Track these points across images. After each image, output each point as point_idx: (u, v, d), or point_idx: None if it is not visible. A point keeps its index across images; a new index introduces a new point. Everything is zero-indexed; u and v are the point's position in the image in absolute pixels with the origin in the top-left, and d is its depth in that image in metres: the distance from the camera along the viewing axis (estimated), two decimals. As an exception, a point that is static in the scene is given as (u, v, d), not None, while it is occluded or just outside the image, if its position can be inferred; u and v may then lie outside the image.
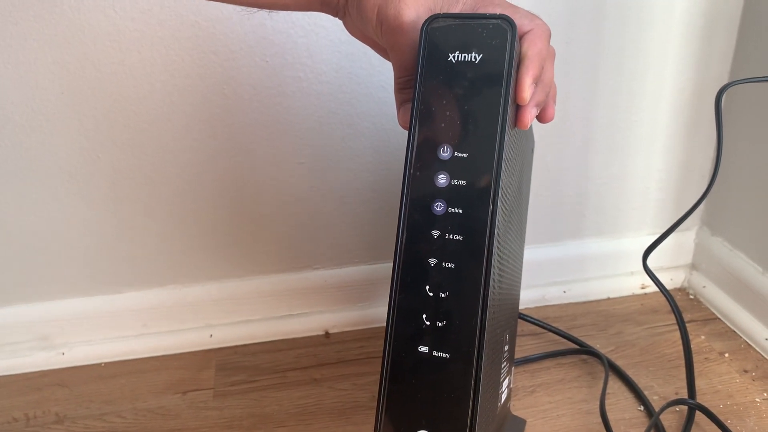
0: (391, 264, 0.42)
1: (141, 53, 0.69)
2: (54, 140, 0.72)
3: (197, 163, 0.76)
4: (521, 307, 0.88)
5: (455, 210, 0.41)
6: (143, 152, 0.74)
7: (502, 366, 0.54)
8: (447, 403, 0.41)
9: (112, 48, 0.68)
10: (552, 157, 0.83)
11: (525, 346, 0.81)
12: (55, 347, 0.82)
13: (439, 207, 0.41)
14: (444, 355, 0.41)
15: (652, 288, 0.91)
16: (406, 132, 0.43)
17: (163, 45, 0.69)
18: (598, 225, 0.89)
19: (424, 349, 0.42)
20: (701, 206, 0.89)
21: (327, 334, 0.85)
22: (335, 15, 0.49)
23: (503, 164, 0.41)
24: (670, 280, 0.92)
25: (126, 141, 0.73)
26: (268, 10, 0.55)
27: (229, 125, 0.74)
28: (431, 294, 0.41)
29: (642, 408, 0.70)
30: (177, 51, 0.70)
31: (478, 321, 0.41)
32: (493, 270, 0.41)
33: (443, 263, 0.41)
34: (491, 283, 0.41)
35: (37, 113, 0.70)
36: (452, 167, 0.41)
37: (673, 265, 0.92)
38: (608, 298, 0.91)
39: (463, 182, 0.41)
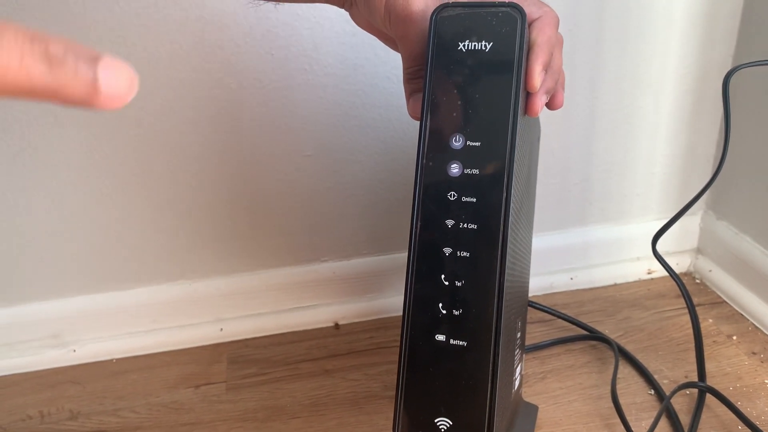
0: (400, 255, 0.43)
1: (146, 48, 0.69)
2: (62, 138, 0.72)
3: (204, 157, 0.76)
4: (529, 294, 0.88)
5: (469, 199, 0.42)
6: (150, 147, 0.74)
7: (516, 353, 0.55)
8: (465, 390, 0.41)
9: (118, 44, 0.69)
10: (557, 144, 0.83)
11: (534, 333, 0.81)
12: (67, 345, 0.82)
13: (452, 196, 0.42)
14: (461, 343, 0.42)
15: (659, 273, 0.91)
16: (413, 123, 0.43)
17: (168, 40, 0.69)
18: (604, 211, 0.89)
19: (441, 337, 0.42)
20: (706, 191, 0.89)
21: (337, 326, 0.86)
22: (341, 6, 0.49)
23: (516, 152, 0.41)
24: (676, 265, 0.92)
25: (133, 136, 0.73)
26: (274, 2, 0.56)
27: (235, 119, 0.74)
28: (447, 283, 0.42)
29: (652, 392, 0.71)
30: (182, 45, 0.70)
31: (495, 308, 0.41)
32: (507, 257, 0.41)
33: (458, 252, 0.42)
34: (506, 270, 0.41)
35: (45, 111, 0.70)
36: (465, 156, 0.42)
37: (678, 250, 0.92)
38: (615, 284, 0.91)
39: (476, 171, 0.41)
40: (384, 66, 0.74)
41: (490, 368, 0.41)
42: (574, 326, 0.82)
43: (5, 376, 0.81)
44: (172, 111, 0.73)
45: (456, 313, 0.42)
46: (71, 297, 0.81)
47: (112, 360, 0.82)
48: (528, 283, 0.63)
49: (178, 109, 0.73)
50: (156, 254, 0.81)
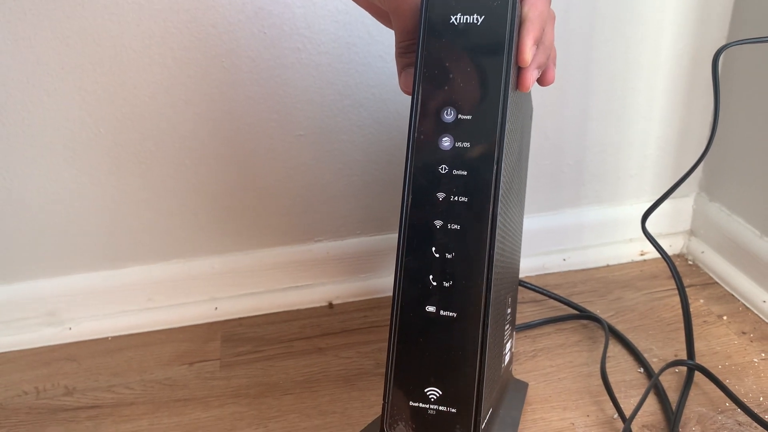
0: (394, 235, 0.43)
1: (140, 26, 0.69)
2: (55, 115, 0.72)
3: (198, 136, 0.76)
4: (522, 275, 0.89)
5: (460, 172, 0.42)
6: (144, 126, 0.74)
7: (505, 328, 0.55)
8: (454, 360, 0.42)
9: (111, 22, 0.68)
10: (551, 125, 0.83)
11: (526, 313, 0.82)
12: (63, 322, 0.83)
13: (443, 169, 0.42)
14: (451, 314, 0.42)
15: (651, 254, 0.92)
16: (407, 101, 0.43)
17: (161, 18, 0.69)
18: (597, 193, 0.89)
19: (431, 309, 0.42)
20: (699, 172, 0.90)
21: (330, 305, 0.86)
22: None
23: (506, 126, 0.41)
24: (669, 247, 0.93)
25: (126, 115, 0.73)
26: None
27: (228, 98, 0.74)
28: (437, 255, 0.42)
29: (642, 370, 0.71)
30: (175, 24, 0.70)
31: (484, 280, 0.42)
32: (497, 230, 0.42)
33: (449, 225, 0.42)
34: (496, 243, 0.42)
35: (37, 88, 0.70)
36: (456, 130, 0.42)
37: (671, 232, 0.92)
38: (608, 265, 0.92)
39: (467, 144, 0.42)
40: (377, 45, 0.74)
41: (479, 339, 0.42)
42: (565, 306, 0.83)
43: (1, 353, 0.81)
44: (165, 90, 0.73)
45: (446, 284, 0.42)
46: (67, 275, 0.82)
47: (107, 338, 0.83)
48: (519, 260, 0.63)
49: (171, 88, 0.73)
50: (151, 233, 0.81)
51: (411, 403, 0.43)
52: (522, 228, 0.63)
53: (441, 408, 0.42)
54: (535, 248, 0.89)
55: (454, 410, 0.42)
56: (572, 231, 0.90)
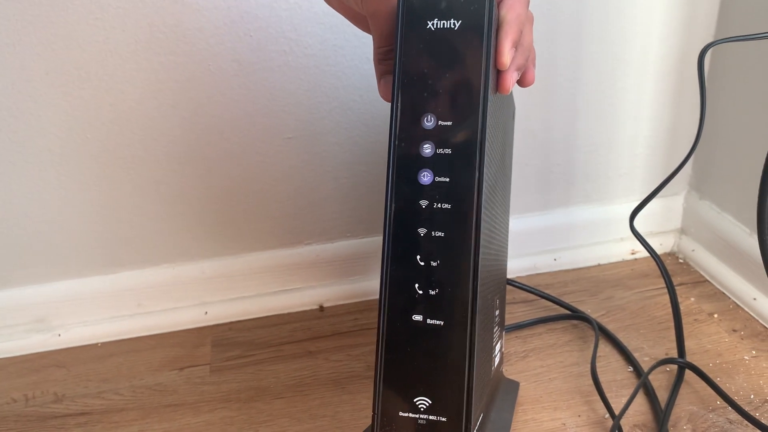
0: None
1: (125, 31, 0.69)
2: (41, 121, 0.72)
3: (185, 141, 0.76)
4: (512, 275, 0.89)
5: (442, 179, 0.42)
6: (131, 131, 0.74)
7: (494, 331, 0.55)
8: (443, 369, 0.42)
9: (96, 27, 0.68)
10: (539, 125, 0.83)
11: (517, 313, 0.82)
12: (52, 329, 0.83)
13: (425, 177, 0.42)
14: (438, 322, 0.42)
15: (642, 254, 0.92)
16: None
17: (146, 22, 0.69)
18: (587, 192, 0.89)
19: (418, 317, 0.42)
20: (689, 171, 0.90)
21: (321, 308, 0.86)
22: None
23: (487, 130, 0.41)
24: (659, 245, 0.93)
25: (114, 120, 0.73)
26: None
27: (215, 102, 0.74)
28: (422, 263, 0.42)
29: (632, 369, 0.71)
30: (161, 28, 0.69)
31: (470, 287, 0.41)
32: (482, 236, 0.42)
33: (433, 232, 0.42)
34: (481, 249, 0.42)
35: (23, 94, 0.70)
36: (437, 136, 0.42)
37: (662, 230, 0.92)
38: (598, 265, 0.92)
39: (448, 151, 0.41)
40: (364, 47, 0.74)
41: (467, 347, 0.42)
42: (556, 306, 0.82)
43: (-10, 360, 0.81)
44: (152, 95, 0.73)
45: (432, 293, 0.42)
46: (56, 281, 0.82)
47: (97, 344, 0.83)
48: (506, 260, 0.63)
49: (157, 93, 0.73)
50: (140, 238, 0.81)
51: (401, 414, 0.43)
52: (508, 227, 0.63)
53: (431, 417, 0.42)
54: (526, 248, 0.89)
55: (444, 419, 0.42)
56: (562, 231, 0.90)
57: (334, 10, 0.50)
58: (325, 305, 0.86)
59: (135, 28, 0.69)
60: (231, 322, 0.85)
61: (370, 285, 0.87)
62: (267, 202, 0.81)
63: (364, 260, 0.86)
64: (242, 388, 0.73)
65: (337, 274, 0.86)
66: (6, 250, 0.78)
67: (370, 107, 0.77)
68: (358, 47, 0.74)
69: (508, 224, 0.63)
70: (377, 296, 0.86)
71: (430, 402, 0.42)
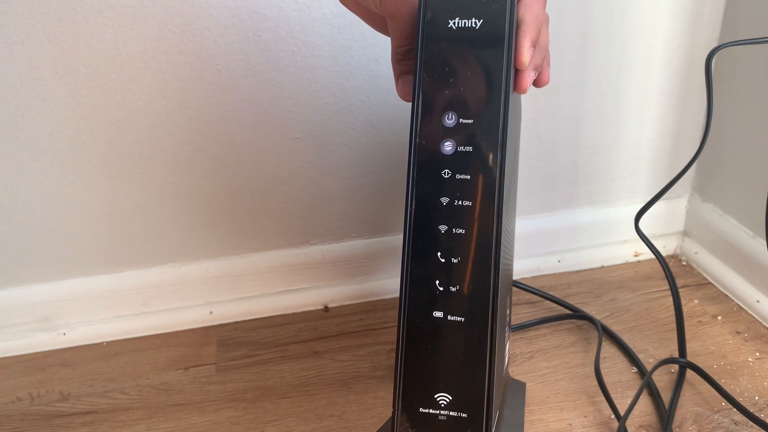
0: (389, 238, 0.43)
1: (134, 30, 0.69)
2: (49, 119, 0.72)
3: (192, 140, 0.76)
4: (517, 277, 0.89)
5: (463, 176, 0.42)
6: (139, 130, 0.74)
7: (506, 330, 0.55)
8: (464, 365, 0.42)
9: (105, 25, 0.68)
10: (544, 127, 0.83)
11: (521, 315, 0.82)
12: (57, 328, 0.82)
13: (446, 174, 0.42)
14: (459, 319, 0.42)
15: (646, 255, 0.92)
16: (401, 105, 0.43)
17: (155, 21, 0.69)
18: (591, 194, 0.90)
19: (439, 314, 0.42)
20: (692, 173, 0.90)
21: (326, 308, 0.86)
22: None
23: (508, 128, 0.41)
24: (662, 248, 0.93)
25: (121, 119, 0.73)
26: None
27: (223, 101, 0.74)
28: (443, 260, 0.42)
29: (636, 370, 0.72)
30: (170, 27, 0.69)
31: (491, 284, 0.42)
32: (502, 233, 0.42)
33: (454, 229, 0.42)
34: (501, 246, 0.42)
35: (31, 93, 0.70)
36: (458, 134, 0.42)
37: (665, 233, 0.93)
38: (602, 267, 0.92)
39: (469, 148, 0.42)
40: (372, 48, 0.74)
41: (488, 343, 0.42)
42: (560, 307, 0.83)
43: (-6, 359, 0.81)
44: (160, 93, 0.73)
45: (453, 289, 0.42)
46: (61, 280, 0.81)
47: (102, 343, 0.82)
48: (513, 262, 0.64)
49: (165, 92, 0.73)
50: (146, 238, 0.81)
51: (421, 410, 0.43)
52: (515, 228, 0.63)
53: (452, 413, 0.42)
54: (530, 250, 0.89)
55: (465, 415, 0.42)
56: (566, 233, 0.91)
57: (342, 11, 0.50)
58: (330, 305, 0.86)
59: (144, 27, 0.69)
60: (236, 322, 0.85)
61: (375, 285, 0.87)
62: (273, 202, 0.81)
63: (369, 260, 0.86)
64: (248, 387, 0.73)
65: (343, 274, 0.86)
66: (11, 248, 0.78)
67: (377, 108, 0.77)
68: (366, 48, 0.74)
69: (515, 226, 0.63)
70: (383, 297, 0.87)
71: (450, 398, 0.42)
